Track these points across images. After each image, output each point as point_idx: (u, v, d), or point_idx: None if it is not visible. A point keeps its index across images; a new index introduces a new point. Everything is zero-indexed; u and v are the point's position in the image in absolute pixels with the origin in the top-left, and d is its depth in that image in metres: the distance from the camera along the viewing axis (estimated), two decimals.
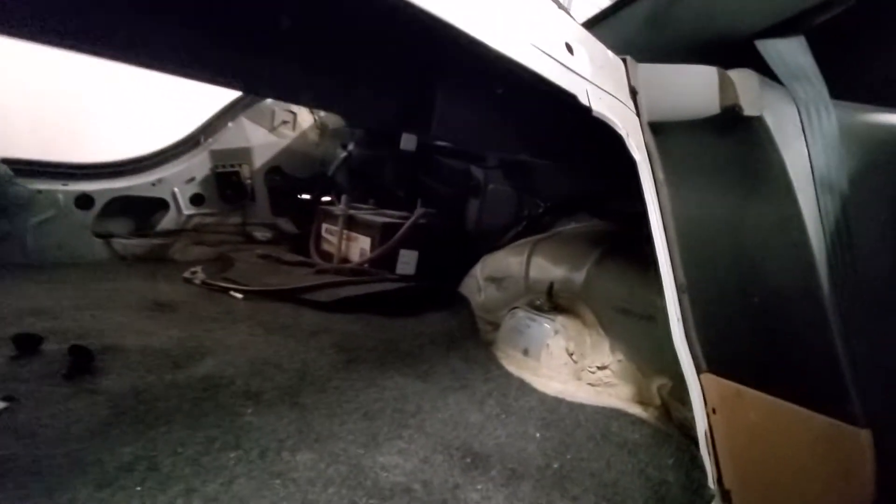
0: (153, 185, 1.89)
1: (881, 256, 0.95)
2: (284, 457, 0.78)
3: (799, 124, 1.01)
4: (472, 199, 1.99)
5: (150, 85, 2.42)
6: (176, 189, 1.92)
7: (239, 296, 1.52)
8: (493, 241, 1.89)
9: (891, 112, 1.00)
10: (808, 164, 0.98)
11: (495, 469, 0.83)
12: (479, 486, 0.78)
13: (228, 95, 2.02)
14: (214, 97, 2.05)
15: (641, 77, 1.10)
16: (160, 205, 1.93)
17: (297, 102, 0.73)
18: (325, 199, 2.23)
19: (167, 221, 1.94)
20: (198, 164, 1.94)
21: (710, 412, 1.03)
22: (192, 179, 1.94)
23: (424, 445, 0.86)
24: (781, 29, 1.11)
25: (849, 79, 1.13)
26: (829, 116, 1.00)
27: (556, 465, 0.88)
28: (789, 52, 1.10)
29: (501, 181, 1.89)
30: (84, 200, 1.73)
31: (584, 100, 0.86)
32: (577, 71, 0.85)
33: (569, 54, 0.84)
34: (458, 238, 2.02)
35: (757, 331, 1.01)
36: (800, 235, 0.95)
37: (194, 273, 1.65)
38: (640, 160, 1.02)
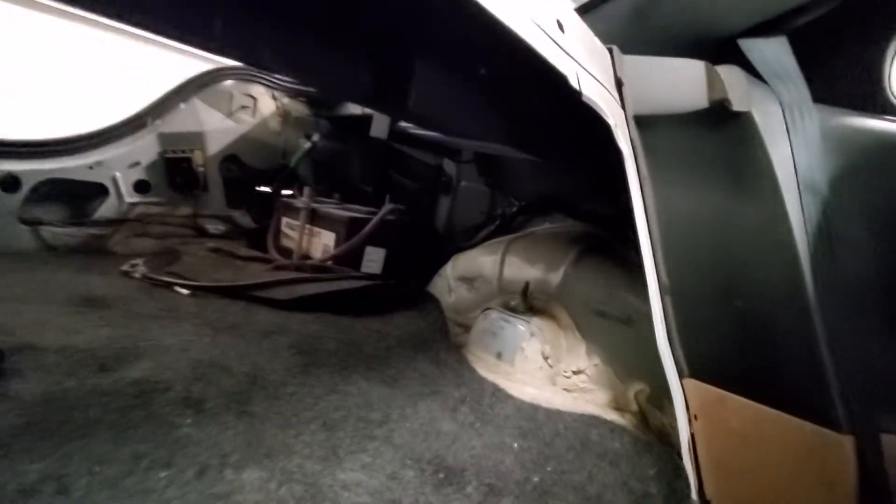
0: (90, 168, 1.69)
1: (861, 260, 0.94)
2: (227, 475, 0.66)
3: (783, 124, 0.99)
4: (443, 196, 1.90)
5: (91, 57, 2.20)
6: (117, 174, 1.73)
7: (184, 292, 1.37)
8: (464, 240, 1.82)
9: (870, 117, 1.00)
10: (792, 165, 0.96)
11: (471, 485, 0.75)
12: None
13: (181, 75, 1.86)
14: (165, 75, 1.88)
15: (627, 68, 1.05)
16: (98, 191, 1.74)
17: (257, 64, 0.64)
18: (286, 192, 2.09)
19: (106, 209, 1.75)
20: (143, 148, 1.76)
21: (692, 419, 0.99)
22: (137, 164, 1.76)
23: (392, 459, 0.76)
24: (764, 29, 1.09)
25: (829, 82, 1.12)
26: (812, 118, 0.99)
27: (536, 479, 0.80)
28: (772, 53, 1.08)
29: (475, 178, 1.82)
30: (9, 182, 1.53)
31: (574, 82, 0.80)
32: (568, 51, 0.79)
33: (560, 32, 0.78)
34: (427, 236, 1.93)
35: (741, 334, 0.97)
36: (786, 235, 0.92)
37: (134, 266, 1.48)
38: (626, 153, 0.97)
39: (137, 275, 1.45)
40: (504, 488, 0.75)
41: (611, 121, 0.91)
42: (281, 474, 0.68)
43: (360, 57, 0.77)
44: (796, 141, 0.97)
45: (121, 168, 1.74)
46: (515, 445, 0.88)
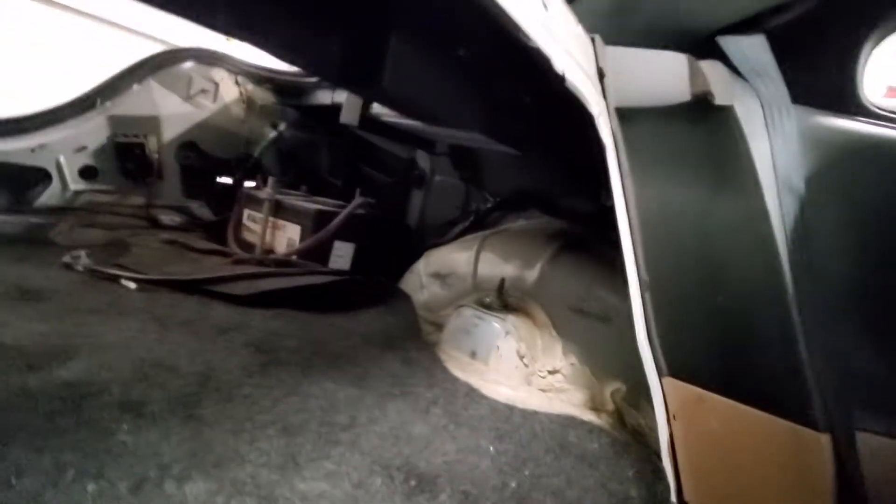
0: (32, 151, 1.55)
1: (836, 260, 0.94)
2: (168, 489, 0.58)
3: (763, 121, 0.98)
4: (415, 191, 1.84)
5: (35, 33, 2.03)
6: (62, 158, 1.59)
7: (132, 285, 1.25)
8: (437, 236, 1.76)
9: (845, 118, 1.00)
10: (771, 163, 0.95)
11: (445, 492, 0.69)
12: None
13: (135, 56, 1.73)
14: (118, 56, 1.74)
15: (610, 59, 1.02)
16: (41, 176, 1.59)
17: (212, 26, 0.57)
18: (249, 184, 1.97)
19: (49, 196, 1.60)
20: (91, 131, 1.63)
21: (671, 418, 0.97)
22: (84, 148, 1.62)
23: (359, 466, 0.69)
24: (744, 27, 1.08)
25: (803, 83, 1.13)
26: (791, 117, 0.98)
27: (513, 485, 0.75)
28: (751, 50, 1.07)
29: (449, 172, 1.77)
30: None
31: (558, 66, 0.75)
32: (552, 31, 0.74)
33: (544, 9, 0.73)
34: (399, 232, 1.87)
35: (720, 332, 0.96)
36: (766, 232, 0.91)
37: (76, 258, 1.35)
38: (609, 146, 0.94)
39: (80, 267, 1.32)
40: (480, 495, 0.70)
41: (594, 110, 0.88)
42: (231, 486, 0.60)
43: (330, 27, 0.70)
44: (775, 138, 0.97)
45: (66, 152, 1.60)
46: (491, 449, 0.83)
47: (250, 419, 0.74)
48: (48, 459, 0.59)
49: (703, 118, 0.96)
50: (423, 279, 1.53)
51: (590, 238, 1.43)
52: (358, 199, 1.69)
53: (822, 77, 1.13)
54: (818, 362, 0.88)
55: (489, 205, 1.67)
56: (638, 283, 0.96)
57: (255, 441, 0.69)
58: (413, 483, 0.69)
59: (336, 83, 0.76)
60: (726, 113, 0.94)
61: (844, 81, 1.09)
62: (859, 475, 0.87)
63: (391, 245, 1.79)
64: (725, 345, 0.95)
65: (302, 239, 1.59)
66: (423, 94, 0.81)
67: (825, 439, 0.87)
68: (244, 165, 1.95)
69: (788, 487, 0.89)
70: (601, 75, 1.01)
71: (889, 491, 0.89)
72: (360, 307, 1.34)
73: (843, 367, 0.90)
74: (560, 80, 0.77)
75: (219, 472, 0.62)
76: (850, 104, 1.10)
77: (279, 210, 1.67)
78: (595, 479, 0.84)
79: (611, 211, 1.53)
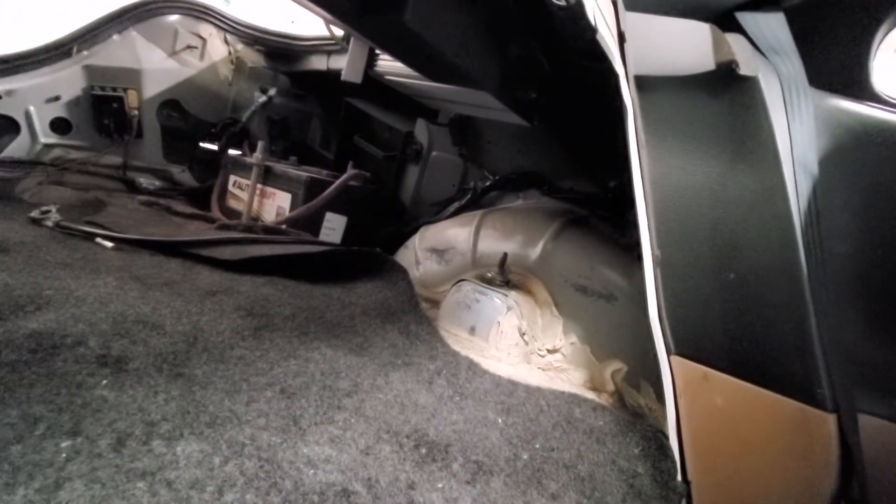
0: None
1: (844, 242, 0.93)
2: (156, 448, 0.51)
3: (781, 99, 0.96)
4: (411, 166, 1.77)
5: None
6: (31, 108, 1.47)
7: (108, 244, 1.16)
8: (432, 213, 1.70)
9: (859, 102, 0.99)
10: (789, 140, 0.94)
11: (457, 462, 0.64)
12: (440, 485, 0.58)
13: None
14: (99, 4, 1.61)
15: (630, 25, 0.98)
16: (8, 126, 1.46)
17: None
18: (235, 152, 1.87)
19: (15, 149, 1.48)
20: (66, 80, 1.50)
21: (677, 397, 0.95)
22: (57, 99, 1.50)
23: (365, 432, 0.64)
24: (762, 4, 1.06)
25: (815, 68, 1.11)
26: (808, 97, 0.97)
27: (525, 457, 0.71)
28: (770, 28, 1.05)
29: (447, 148, 1.71)
30: None
31: (590, 15, 0.71)
32: None
33: None
34: (393, 207, 1.80)
35: (730, 309, 0.94)
36: (783, 208, 0.89)
37: (46, 213, 1.24)
38: (629, 110, 0.90)
39: (49, 223, 1.21)
40: (494, 466, 0.66)
41: (619, 69, 0.84)
42: (228, 447, 0.54)
43: None
44: (793, 117, 0.95)
45: (36, 102, 1.47)
46: (500, 421, 0.79)
47: (246, 380, 0.68)
48: (15, 412, 0.51)
49: (726, 89, 0.93)
50: (418, 254, 1.47)
51: (592, 218, 1.40)
52: (352, 171, 1.62)
53: (835, 60, 1.11)
54: (827, 342, 0.87)
55: (488, 182, 1.62)
56: (651, 258, 0.93)
57: (253, 402, 0.63)
58: (423, 451, 0.64)
59: (354, 20, 0.70)
60: (750, 84, 0.91)
61: (857, 66, 1.07)
62: (861, 456, 0.86)
63: (384, 220, 1.72)
64: (734, 323, 0.93)
65: (292, 208, 1.51)
66: (442, 36, 0.75)
67: (832, 419, 0.86)
68: (230, 131, 1.84)
69: (793, 466, 0.88)
70: (622, 39, 0.97)
71: (888, 473, 0.89)
72: (356, 279, 1.27)
73: (847, 348, 0.89)
74: (593, 32, 0.72)
75: (213, 432, 0.56)
76: (863, 89, 1.09)
77: (268, 177, 1.58)
78: (604, 455, 0.81)
79: (615, 192, 1.50)
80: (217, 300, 0.96)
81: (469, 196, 1.64)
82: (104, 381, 0.60)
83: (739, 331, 0.93)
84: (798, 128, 0.95)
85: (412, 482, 0.57)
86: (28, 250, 1.00)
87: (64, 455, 0.47)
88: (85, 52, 1.52)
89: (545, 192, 1.58)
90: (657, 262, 0.96)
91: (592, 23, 0.71)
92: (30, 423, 0.50)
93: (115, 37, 1.56)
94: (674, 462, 0.87)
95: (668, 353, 0.95)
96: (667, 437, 0.91)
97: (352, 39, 1.25)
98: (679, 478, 0.89)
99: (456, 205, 1.65)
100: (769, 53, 1.00)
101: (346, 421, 0.65)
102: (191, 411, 0.58)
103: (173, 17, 1.66)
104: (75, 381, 0.58)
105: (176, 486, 0.47)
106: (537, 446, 0.75)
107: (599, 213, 1.43)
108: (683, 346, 0.94)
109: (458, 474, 0.62)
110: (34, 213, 1.24)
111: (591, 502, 0.67)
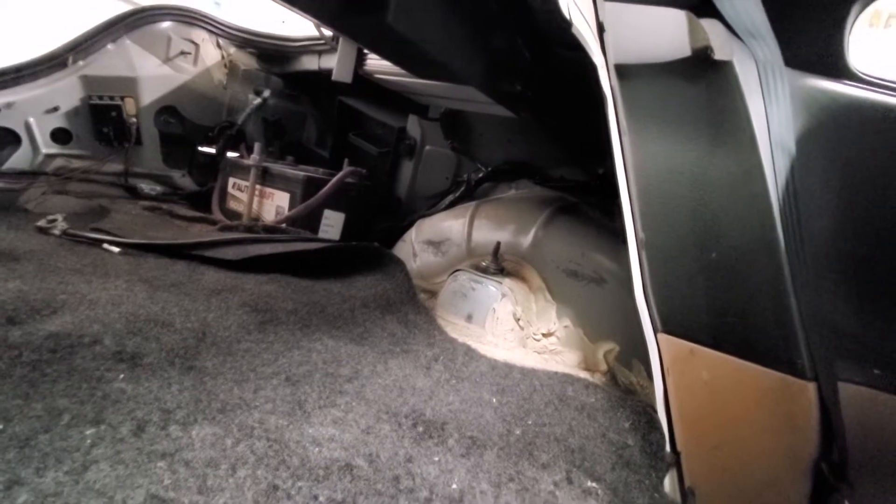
0: None
1: (821, 217, 0.96)
2: (173, 432, 0.56)
3: (758, 81, 0.99)
4: (405, 161, 1.81)
5: None
6: (31, 119, 1.50)
7: (115, 249, 1.20)
8: (428, 207, 1.74)
9: (834, 80, 1.02)
10: (765, 121, 0.97)
11: (453, 438, 0.69)
12: (436, 458, 0.63)
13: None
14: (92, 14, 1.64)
15: (609, 14, 1.01)
16: (9, 138, 1.50)
17: None
18: (232, 154, 1.90)
19: (18, 160, 1.52)
20: (64, 91, 1.54)
21: (665, 373, 0.99)
22: (56, 109, 1.54)
23: (366, 413, 0.69)
24: None
25: (790, 46, 1.14)
26: (783, 78, 1.00)
27: (518, 432, 0.76)
28: (745, 11, 1.08)
29: (440, 142, 1.74)
30: None
31: (564, 9, 0.74)
32: None
33: None
34: (389, 202, 1.84)
35: (713, 287, 0.98)
36: (761, 187, 0.92)
37: (52, 222, 1.29)
38: (609, 99, 0.93)
39: (56, 231, 1.26)
40: (487, 440, 0.70)
41: (597, 60, 0.87)
42: (238, 430, 0.59)
43: None
44: (769, 99, 0.98)
45: (36, 113, 1.51)
46: (494, 400, 0.83)
47: (253, 370, 0.72)
48: (39, 406, 0.56)
49: (702, 74, 0.96)
50: (415, 247, 1.52)
51: (581, 205, 1.43)
52: (348, 168, 1.65)
53: (810, 40, 1.14)
54: (806, 314, 0.91)
55: (481, 174, 1.66)
56: (635, 241, 0.97)
57: (260, 390, 0.68)
58: (421, 429, 0.69)
59: (337, 22, 0.72)
60: (725, 68, 0.94)
61: (833, 45, 1.10)
62: (841, 422, 0.90)
63: (381, 216, 1.76)
64: (717, 299, 0.97)
65: (291, 207, 1.55)
66: (425, 34, 0.78)
67: (811, 387, 0.90)
68: (227, 134, 1.88)
69: (775, 433, 0.93)
70: (601, 30, 1.00)
71: (866, 437, 0.93)
72: (356, 273, 1.31)
73: (826, 319, 0.93)
74: (567, 25, 0.76)
75: (225, 417, 0.60)
76: (839, 68, 1.12)
77: (266, 177, 1.62)
78: (595, 429, 0.85)
79: (603, 179, 1.54)
80: (222, 298, 1.00)
81: (463, 188, 1.68)
82: (121, 376, 0.64)
83: (722, 307, 0.97)
84: (775, 109, 0.98)
85: (410, 456, 0.62)
86: (38, 258, 1.05)
87: (89, 441, 0.52)
88: (81, 63, 1.56)
89: (537, 181, 1.62)
90: (642, 245, 0.99)
91: (567, 16, 0.74)
92: (55, 415, 0.55)
93: (110, 46, 1.60)
94: (662, 434, 0.92)
95: (655, 330, 0.99)
96: (656, 412, 0.95)
97: (340, 40, 1.28)
98: (668, 448, 0.93)
99: (450, 197, 1.69)
100: (745, 37, 1.03)
101: (347, 404, 0.70)
102: (203, 399, 0.63)
103: (165, 24, 1.69)
104: (94, 376, 0.63)
105: (193, 465, 0.51)
106: (530, 422, 0.80)
107: (589, 199, 1.47)
108: (669, 324, 0.98)
109: (453, 449, 0.66)
110: (41, 223, 1.29)
111: (581, 471, 0.71)
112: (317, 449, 0.59)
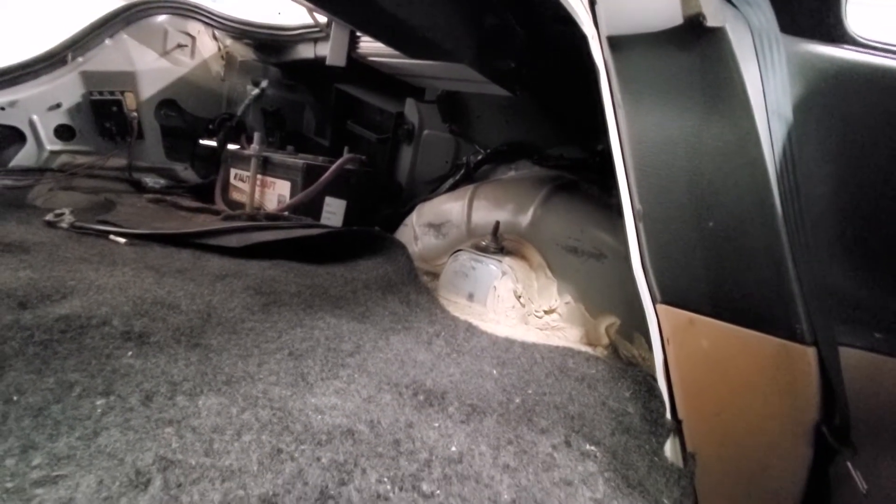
0: (2, 109, 1.48)
1: (819, 183, 0.96)
2: (180, 402, 0.58)
3: (753, 49, 0.98)
4: (405, 147, 1.82)
5: None
6: (35, 117, 1.53)
7: (121, 240, 1.23)
8: (428, 192, 1.75)
9: (831, 45, 1.00)
10: (761, 89, 0.96)
11: (453, 406, 0.70)
12: (436, 424, 0.65)
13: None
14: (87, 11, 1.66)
15: None
16: (14, 136, 1.53)
17: None
18: (233, 147, 1.92)
19: (23, 157, 1.54)
20: (65, 88, 1.56)
21: (665, 343, 1.00)
22: (58, 106, 1.56)
23: (367, 385, 0.70)
24: None
25: (787, 12, 1.12)
26: (779, 45, 0.99)
27: (518, 400, 0.77)
28: None
29: (438, 126, 1.74)
30: None
31: None
32: None
33: None
34: (390, 188, 1.85)
35: (711, 256, 0.98)
36: (757, 154, 0.92)
37: (60, 216, 1.31)
38: (602, 71, 0.93)
39: (64, 224, 1.29)
40: (487, 408, 0.72)
41: (588, 31, 0.87)
42: (243, 400, 0.61)
43: None
44: (765, 66, 0.97)
45: (39, 110, 1.53)
46: (495, 372, 0.85)
47: (257, 346, 0.74)
48: (51, 380, 0.58)
49: (695, 41, 0.96)
50: (416, 231, 1.53)
51: (580, 182, 1.43)
52: (348, 155, 1.66)
53: (807, 5, 1.13)
54: (804, 280, 0.91)
55: (480, 156, 1.66)
56: (632, 213, 0.97)
57: (264, 364, 0.70)
58: (422, 398, 0.70)
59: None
60: (718, 35, 0.93)
61: (830, 9, 1.09)
62: (842, 386, 0.91)
63: (383, 201, 1.77)
64: (716, 268, 0.97)
65: (292, 195, 1.57)
66: (415, 12, 0.79)
67: (811, 352, 0.91)
68: (227, 126, 1.89)
69: (777, 399, 0.93)
70: (592, 1, 0.99)
71: (868, 401, 0.93)
72: (358, 258, 1.33)
73: (826, 285, 0.93)
74: None
75: (230, 388, 0.62)
76: (836, 32, 1.10)
77: (267, 167, 1.63)
78: (594, 397, 0.87)
79: (602, 156, 1.53)
80: (227, 282, 1.02)
81: (462, 171, 1.69)
82: (130, 353, 0.67)
83: (721, 276, 0.97)
84: (771, 75, 0.97)
85: (411, 422, 0.63)
86: (47, 249, 1.07)
87: (99, 410, 0.54)
88: (80, 59, 1.58)
89: (536, 161, 1.62)
90: (639, 217, 1.00)
91: None
92: (66, 388, 0.57)
93: (108, 41, 1.61)
94: (663, 402, 0.93)
95: (654, 302, 0.99)
96: (656, 381, 0.96)
97: (332, 24, 1.28)
98: (668, 416, 0.94)
99: (450, 181, 1.70)
100: (740, 4, 1.02)
101: (349, 376, 0.71)
102: (209, 373, 0.65)
103: (161, 18, 1.70)
104: (104, 353, 0.65)
105: (200, 431, 0.53)
106: (530, 392, 0.81)
107: (589, 176, 1.47)
108: (668, 295, 0.99)
109: (453, 416, 0.68)
110: (49, 217, 1.31)
111: (580, 436, 0.72)
112: (319, 416, 0.60)
